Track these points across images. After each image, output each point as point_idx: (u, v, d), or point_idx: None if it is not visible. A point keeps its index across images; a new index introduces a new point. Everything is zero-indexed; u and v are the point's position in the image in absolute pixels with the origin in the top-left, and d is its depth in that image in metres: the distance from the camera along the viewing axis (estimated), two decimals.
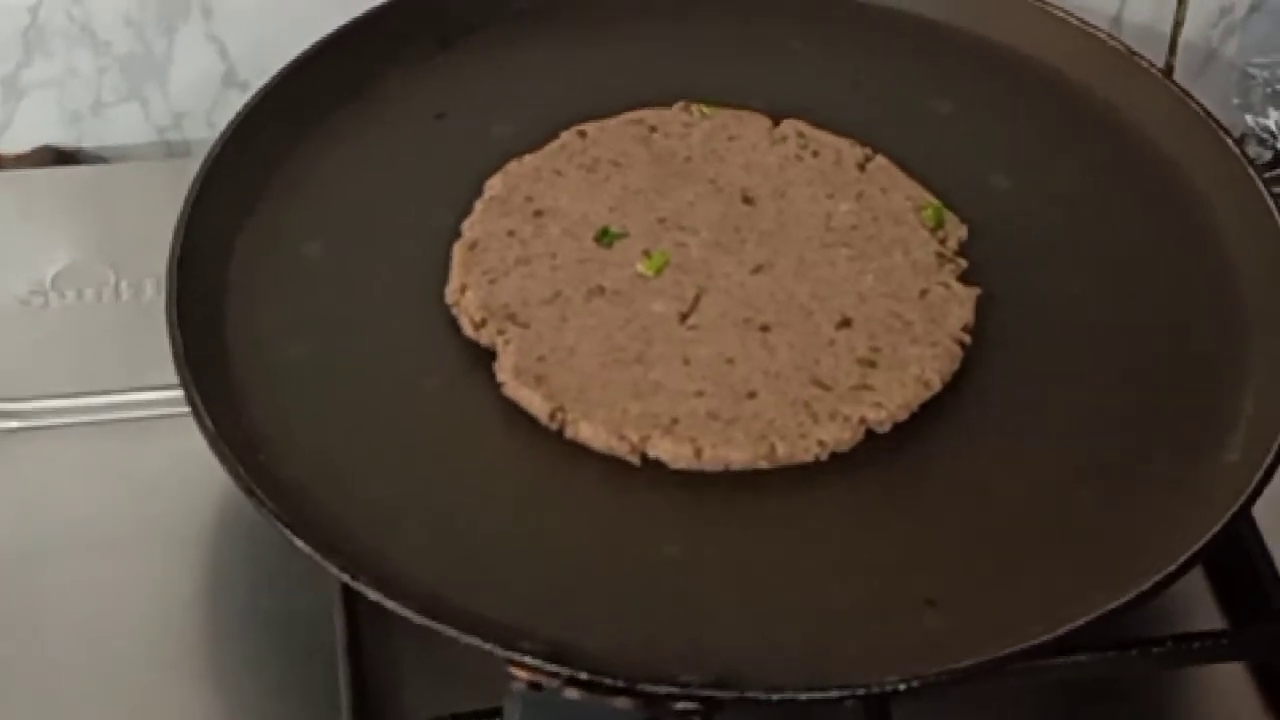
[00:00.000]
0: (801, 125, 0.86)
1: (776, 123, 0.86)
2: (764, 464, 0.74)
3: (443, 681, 0.74)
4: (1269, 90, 1.02)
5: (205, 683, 0.77)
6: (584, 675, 0.66)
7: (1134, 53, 0.89)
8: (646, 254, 0.80)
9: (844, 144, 0.85)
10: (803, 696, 0.67)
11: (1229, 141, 0.86)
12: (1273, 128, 1.01)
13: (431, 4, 0.89)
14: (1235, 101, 1.03)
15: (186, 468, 0.78)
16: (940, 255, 0.81)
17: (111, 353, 0.87)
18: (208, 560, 0.81)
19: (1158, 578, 0.70)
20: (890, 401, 0.76)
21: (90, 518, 0.82)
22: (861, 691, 0.67)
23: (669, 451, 0.74)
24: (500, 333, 0.78)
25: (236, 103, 0.85)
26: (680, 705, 0.66)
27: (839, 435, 0.75)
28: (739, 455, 0.74)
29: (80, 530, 0.81)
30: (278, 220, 0.82)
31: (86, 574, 0.80)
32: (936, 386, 0.77)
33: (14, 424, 0.84)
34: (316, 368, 0.77)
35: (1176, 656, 0.75)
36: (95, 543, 0.81)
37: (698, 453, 0.74)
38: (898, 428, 0.76)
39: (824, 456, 0.75)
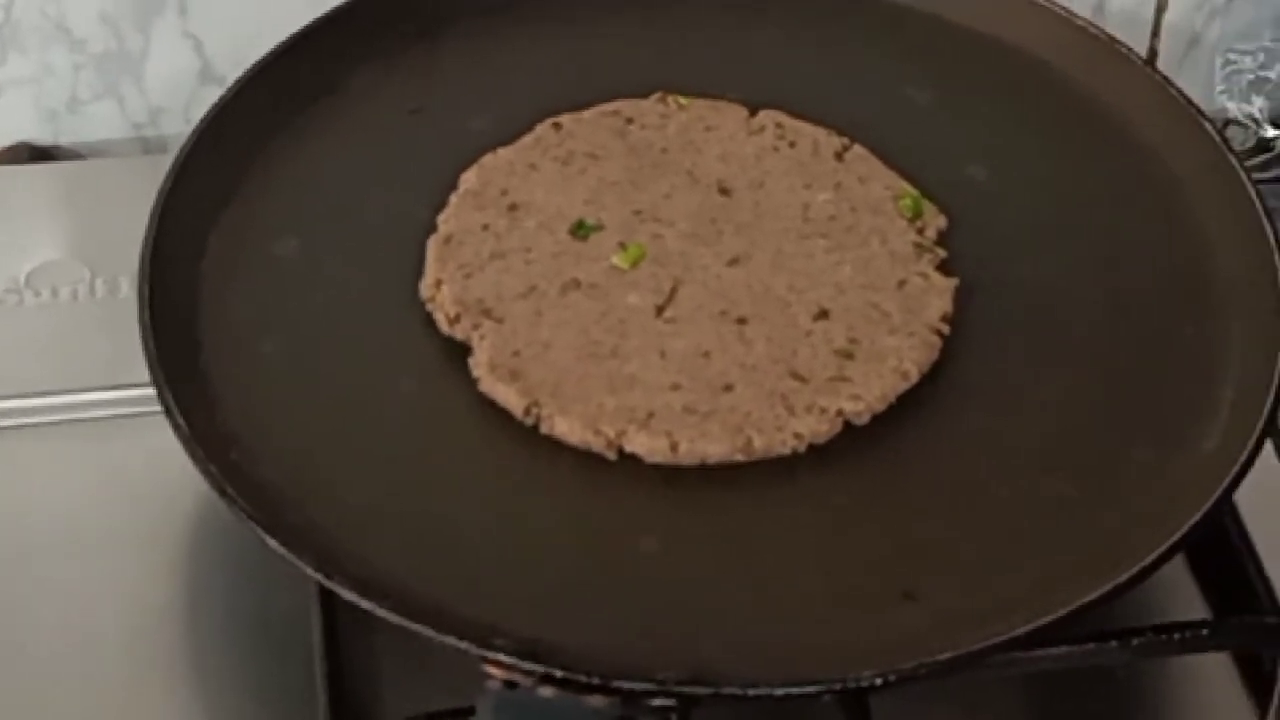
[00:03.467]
0: (779, 115, 0.85)
1: (754, 113, 0.86)
2: (741, 457, 0.74)
3: (420, 680, 0.73)
4: (1251, 77, 1.02)
5: (183, 682, 0.77)
6: (558, 673, 0.65)
7: (1115, 41, 0.89)
8: (622, 246, 0.80)
9: (821, 134, 0.85)
10: (779, 692, 0.66)
11: (1210, 129, 0.85)
12: (1255, 114, 1.01)
13: None
14: (1218, 88, 1.02)
15: (164, 466, 0.77)
16: (918, 245, 0.81)
17: (87, 350, 0.86)
18: (185, 559, 0.80)
19: (1136, 569, 0.69)
20: (868, 393, 0.75)
21: (66, 516, 0.81)
22: (838, 686, 0.67)
23: (645, 446, 0.74)
24: (475, 328, 0.77)
25: (213, 99, 0.84)
26: (656, 702, 0.66)
27: (816, 428, 0.74)
28: (715, 449, 0.74)
29: (56, 529, 0.81)
30: (252, 216, 0.81)
31: (63, 572, 0.79)
32: (914, 378, 0.77)
33: None
34: (290, 364, 0.77)
35: (1157, 647, 0.74)
36: (71, 541, 0.80)
37: (674, 447, 0.74)
38: (875, 420, 0.75)
39: (801, 449, 0.74)
